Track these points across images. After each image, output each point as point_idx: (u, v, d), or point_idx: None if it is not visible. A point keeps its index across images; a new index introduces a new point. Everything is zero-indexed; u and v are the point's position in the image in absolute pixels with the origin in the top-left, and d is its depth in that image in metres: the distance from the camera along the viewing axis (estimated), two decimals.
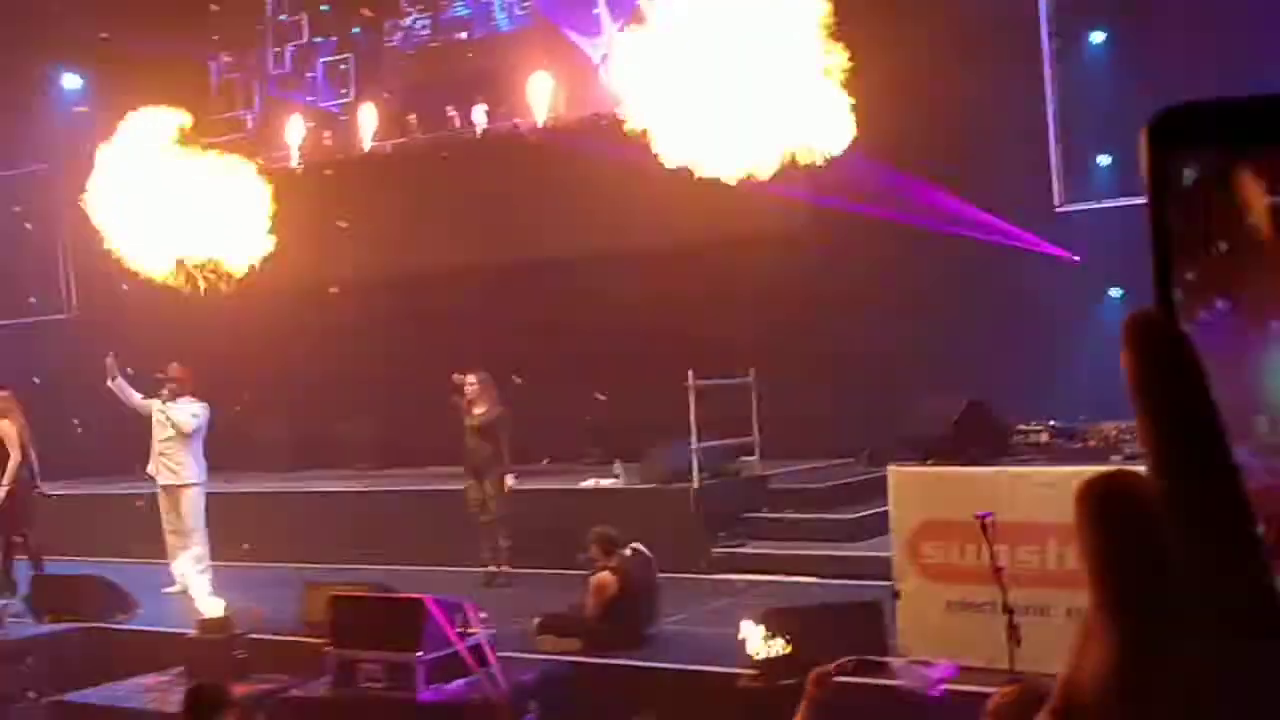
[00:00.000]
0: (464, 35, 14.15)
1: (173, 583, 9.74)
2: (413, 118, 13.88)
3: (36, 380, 11.86)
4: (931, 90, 10.47)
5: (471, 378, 9.98)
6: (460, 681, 6.30)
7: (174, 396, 10.02)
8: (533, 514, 10.42)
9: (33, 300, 15.22)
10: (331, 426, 14.02)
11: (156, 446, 10.09)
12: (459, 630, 6.50)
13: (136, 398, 10.24)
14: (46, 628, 8.78)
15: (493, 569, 9.79)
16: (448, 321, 13.01)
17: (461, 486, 10.08)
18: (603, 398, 12.66)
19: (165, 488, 10.09)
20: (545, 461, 12.62)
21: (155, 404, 10.05)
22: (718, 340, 11.29)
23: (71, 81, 16.81)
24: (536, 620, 7.55)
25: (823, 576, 9.03)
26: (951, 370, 9.79)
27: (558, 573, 9.21)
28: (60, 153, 15.19)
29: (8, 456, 10.15)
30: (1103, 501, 0.41)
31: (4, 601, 9.22)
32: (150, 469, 10.20)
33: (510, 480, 9.87)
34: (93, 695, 7.21)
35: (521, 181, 12.94)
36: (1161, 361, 0.41)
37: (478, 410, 9.90)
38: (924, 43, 10.51)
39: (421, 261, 13.42)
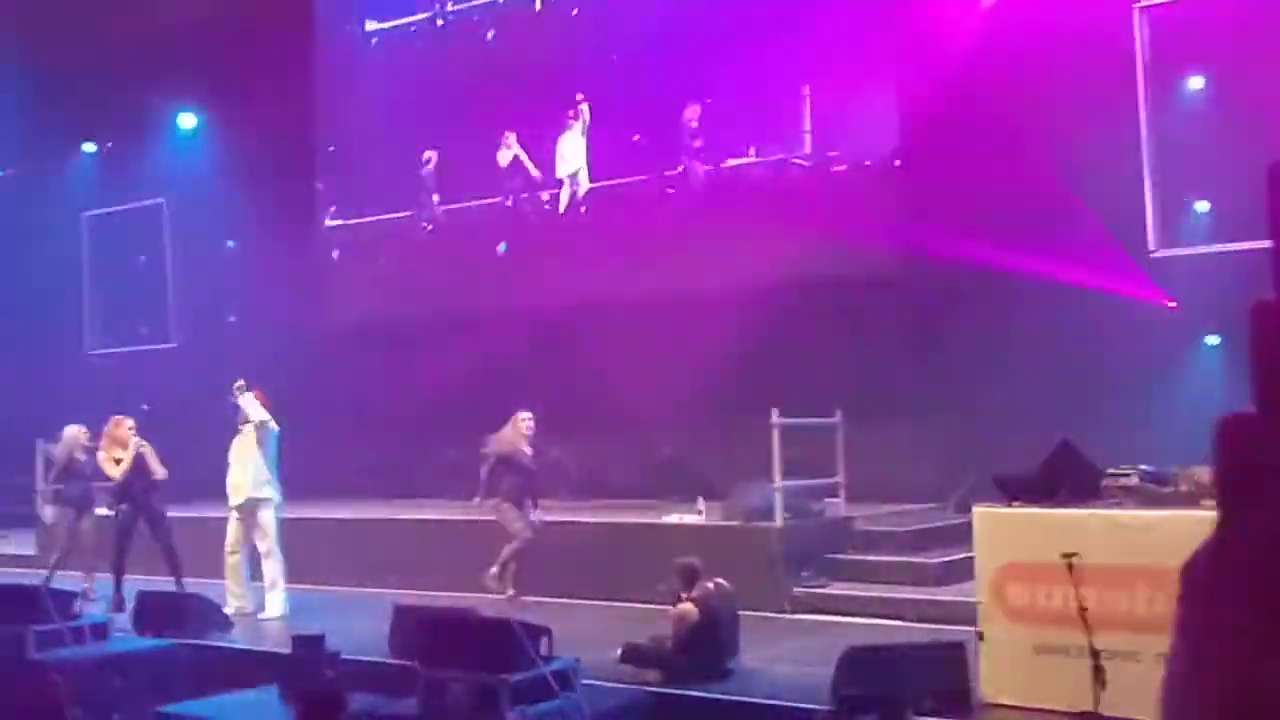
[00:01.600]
0: None
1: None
2: None
3: (145, 407, 12.30)
4: (1027, 134, 10.49)
5: (528, 413, 10.51)
6: (545, 705, 6.40)
7: (247, 419, 10.45)
8: (615, 547, 10.57)
9: (142, 330, 15.80)
10: (425, 455, 14.33)
11: (235, 466, 10.47)
12: (544, 655, 6.61)
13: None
14: (149, 643, 9.07)
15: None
16: (527, 360, 13.29)
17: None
18: (669, 450, 12.81)
19: (243, 504, 10.45)
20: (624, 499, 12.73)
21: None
22: (804, 380, 11.35)
23: (187, 121, 17.53)
24: (618, 649, 7.64)
25: (907, 620, 9.00)
26: (1043, 414, 9.72)
27: (639, 606, 9.33)
28: (172, 188, 15.86)
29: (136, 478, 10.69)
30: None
31: (110, 615, 9.57)
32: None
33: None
34: (190, 709, 7.41)
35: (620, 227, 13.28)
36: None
37: (529, 449, 10.41)
38: (1023, 85, 10.55)
39: (518, 300, 13.79)
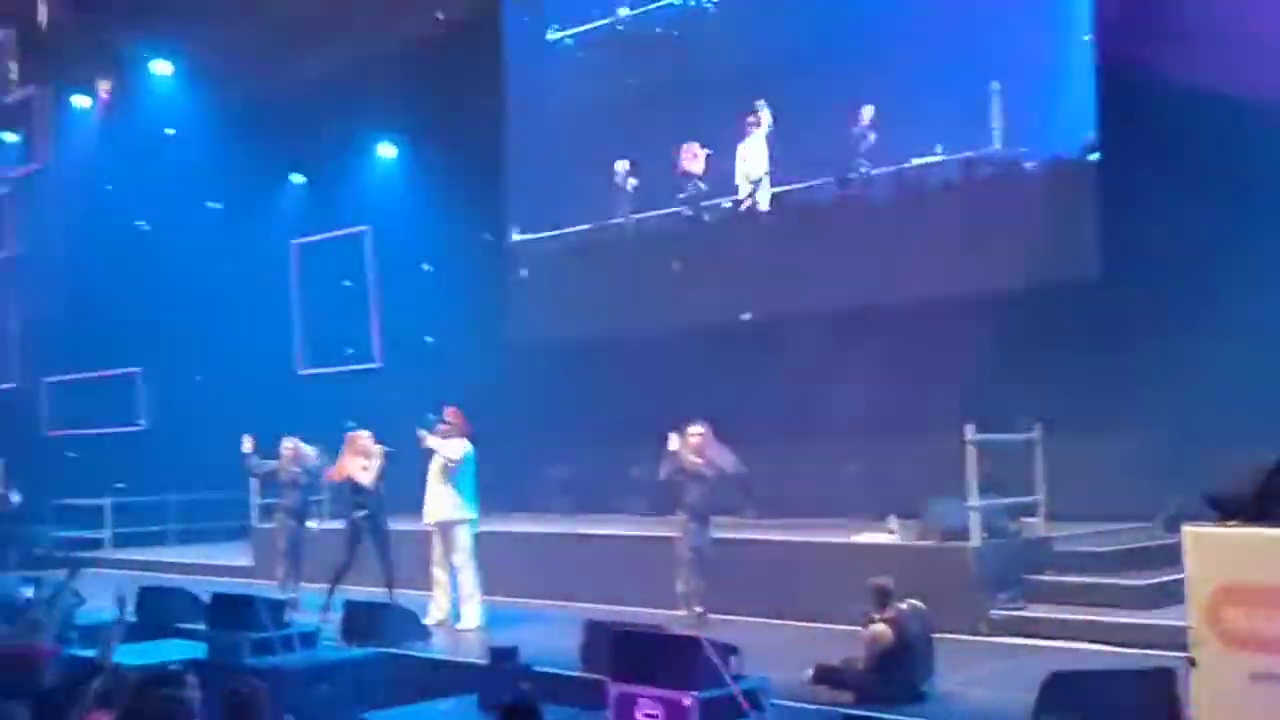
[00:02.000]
0: None
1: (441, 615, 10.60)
2: None
3: (352, 424, 12.82)
4: (1242, 120, 9.96)
5: (698, 426, 10.42)
6: None
7: (445, 437, 10.71)
8: (805, 566, 10.47)
9: (349, 350, 16.50)
10: (612, 470, 14.51)
11: (431, 487, 10.77)
12: (733, 673, 6.59)
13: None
14: (353, 651, 9.44)
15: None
16: (713, 372, 13.31)
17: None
18: (855, 466, 12.62)
19: (438, 524, 10.73)
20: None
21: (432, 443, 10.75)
22: (1000, 393, 11.03)
23: (386, 150, 18.30)
24: (809, 670, 7.56)
25: (1111, 644, 8.63)
26: (1258, 427, 9.18)
27: (830, 626, 9.22)
28: (374, 215, 16.56)
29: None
30: None
31: (321, 620, 9.98)
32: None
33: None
34: (392, 715, 7.66)
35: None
36: None
37: (699, 459, 10.32)
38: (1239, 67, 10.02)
39: (702, 311, 13.86)
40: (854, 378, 12.21)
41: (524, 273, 16.27)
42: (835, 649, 7.95)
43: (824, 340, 12.77)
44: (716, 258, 14.40)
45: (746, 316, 13.62)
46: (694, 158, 14.64)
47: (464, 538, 10.70)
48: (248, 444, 12.41)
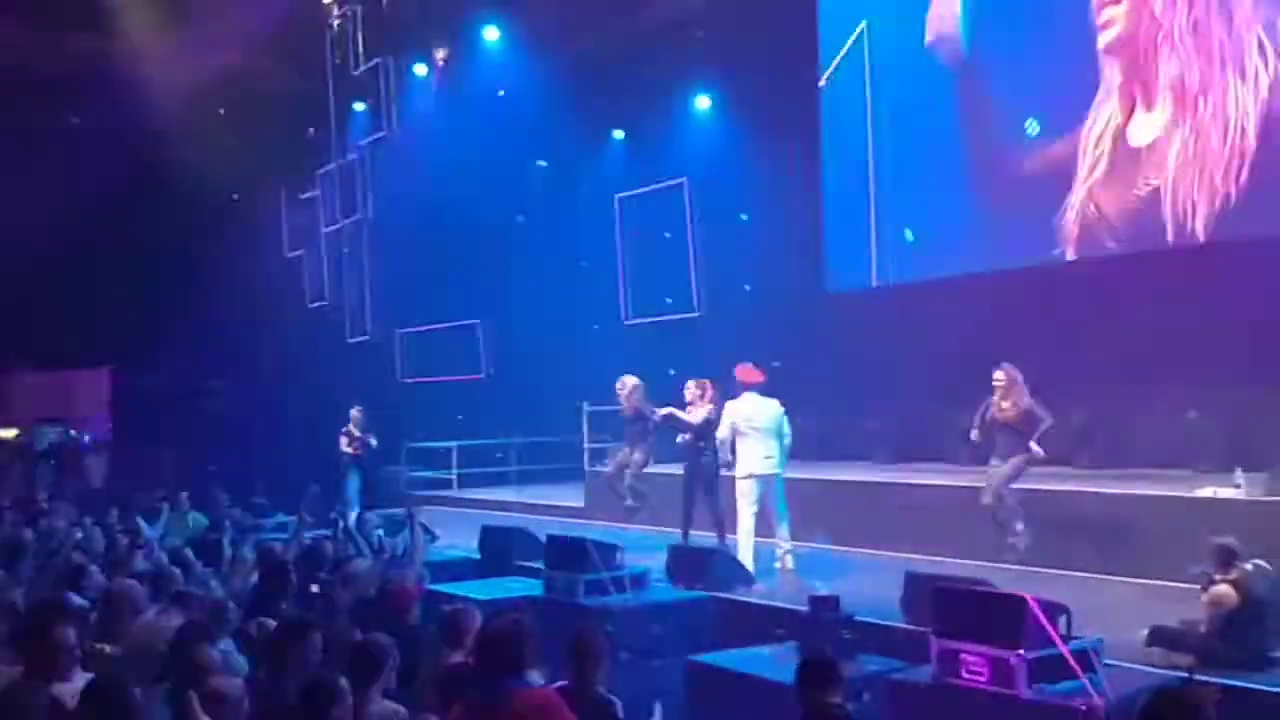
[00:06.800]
0: None
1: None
2: None
3: (672, 372, 13.25)
4: None
5: (1000, 373, 10.36)
6: (1065, 685, 6.25)
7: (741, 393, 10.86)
8: (1143, 520, 10.00)
9: (669, 300, 16.98)
10: (934, 418, 14.29)
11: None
12: (1062, 633, 6.44)
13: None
14: (682, 594, 9.83)
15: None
16: (1037, 316, 12.80)
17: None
18: (1194, 414, 11.83)
19: (757, 476, 10.85)
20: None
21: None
22: None
23: (702, 103, 18.56)
24: (1146, 631, 7.27)
25: None
26: None
27: (1168, 584, 8.80)
28: (691, 168, 16.87)
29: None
30: None
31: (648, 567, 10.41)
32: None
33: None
34: (717, 659, 7.95)
35: None
36: None
37: (1005, 404, 10.27)
38: None
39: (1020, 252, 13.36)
40: (1201, 316, 11.45)
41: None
42: (1175, 610, 7.60)
43: (1164, 278, 12.03)
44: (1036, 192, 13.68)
45: (1071, 257, 12.99)
46: None
47: (771, 489, 10.84)
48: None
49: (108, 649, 5.87)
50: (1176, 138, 12.07)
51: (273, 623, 5.94)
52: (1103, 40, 12.78)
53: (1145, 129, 12.44)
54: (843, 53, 15.66)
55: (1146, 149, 12.36)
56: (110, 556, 9.42)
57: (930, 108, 14.72)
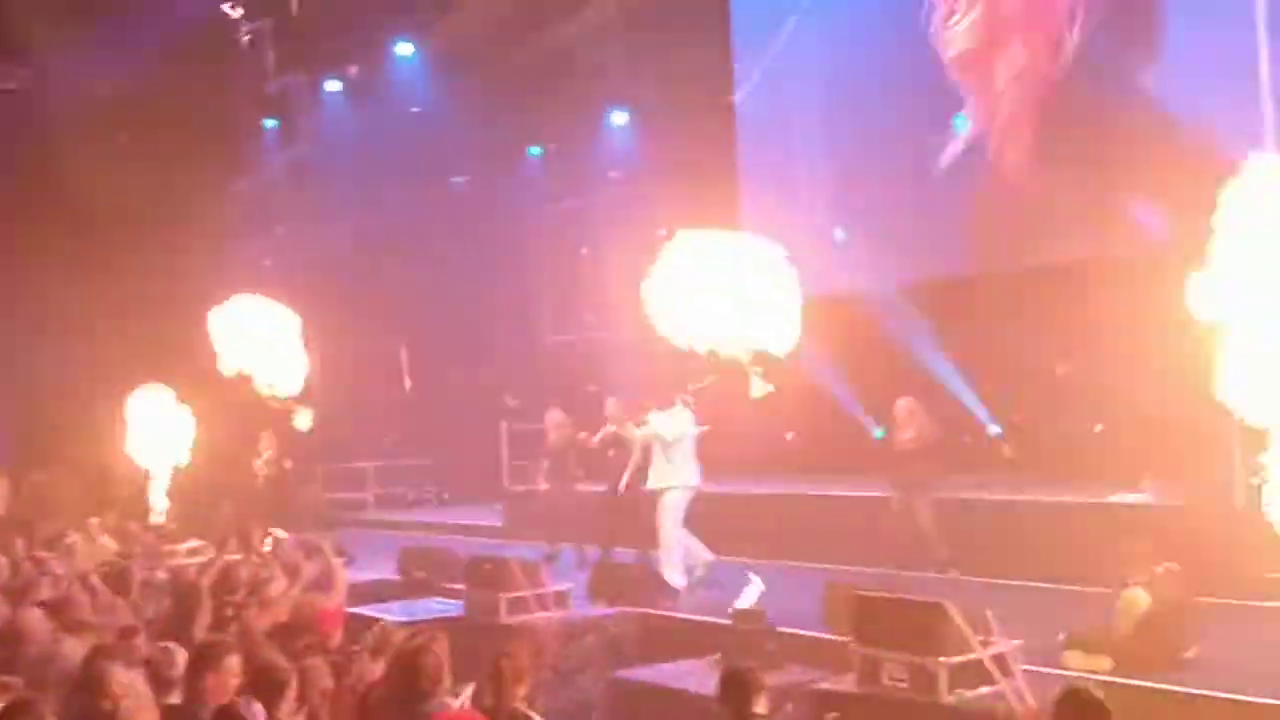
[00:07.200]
0: None
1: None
2: None
3: (592, 388, 13.22)
4: None
5: (901, 402, 10.51)
6: (984, 690, 6.32)
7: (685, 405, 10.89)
8: (1056, 527, 10.17)
9: (588, 318, 16.97)
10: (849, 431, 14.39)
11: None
12: (981, 639, 6.51)
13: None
14: (604, 610, 9.77)
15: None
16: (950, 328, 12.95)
17: None
18: (1099, 428, 12.09)
19: (679, 489, 10.83)
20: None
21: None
22: None
23: (619, 119, 18.59)
24: (1062, 635, 7.37)
25: None
26: None
27: (1083, 589, 8.94)
28: (609, 186, 16.90)
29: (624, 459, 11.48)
30: None
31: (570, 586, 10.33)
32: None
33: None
34: (642, 674, 7.93)
35: None
36: None
37: (908, 434, 10.41)
38: None
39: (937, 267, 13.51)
40: (1104, 328, 11.68)
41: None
42: (1089, 614, 7.72)
43: (1039, 292, 12.26)
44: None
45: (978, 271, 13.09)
46: None
47: (669, 503, 10.82)
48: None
49: (8, 680, 5.66)
50: None
51: (182, 650, 5.78)
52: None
53: None
54: (760, 69, 15.68)
55: None
56: (15, 584, 9.11)
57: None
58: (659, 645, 8.85)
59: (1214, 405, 9.14)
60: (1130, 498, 10.07)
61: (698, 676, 7.46)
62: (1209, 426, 9.28)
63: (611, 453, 11.58)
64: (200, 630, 6.65)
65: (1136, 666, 6.90)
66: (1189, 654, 7.16)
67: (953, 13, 13.12)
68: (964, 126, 13.43)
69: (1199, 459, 9.65)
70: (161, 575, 9.27)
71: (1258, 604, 8.70)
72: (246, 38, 17.83)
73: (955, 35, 13.13)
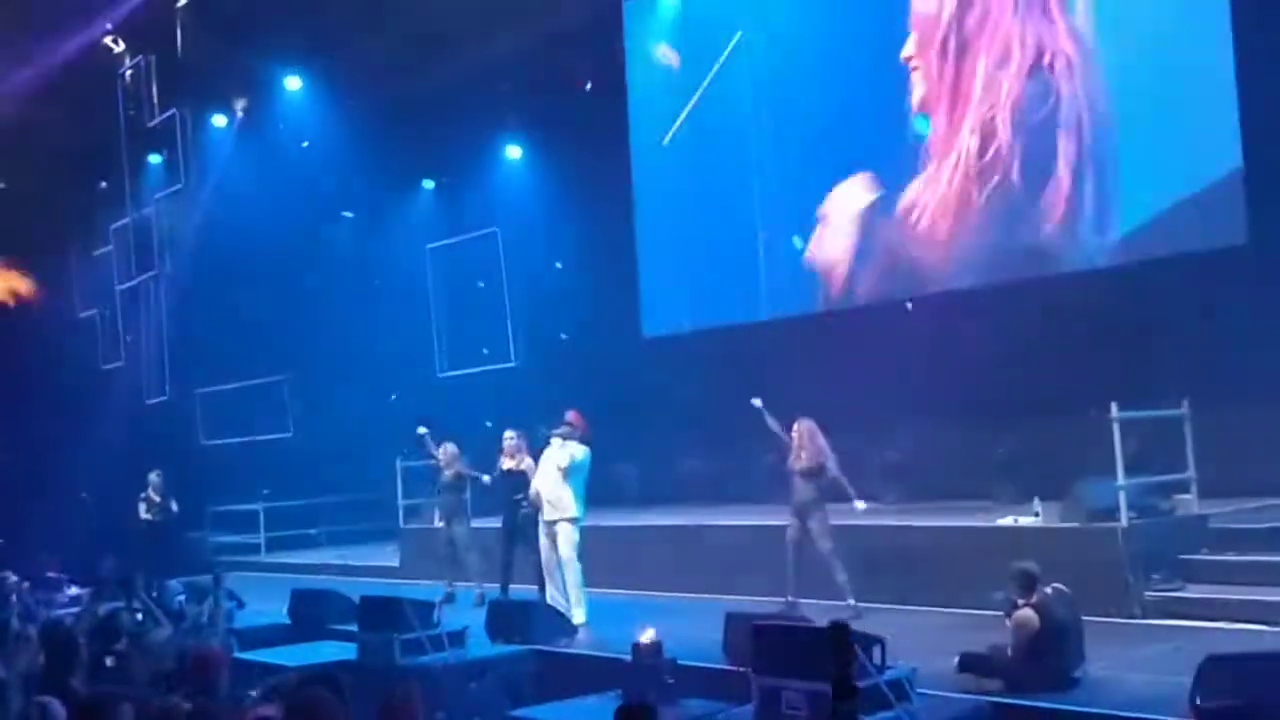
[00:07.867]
0: None
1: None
2: None
3: (489, 424, 13.11)
4: None
5: (799, 423, 10.46)
6: (882, 715, 6.33)
7: (566, 439, 10.86)
8: (947, 551, 10.32)
9: (485, 351, 16.82)
10: (746, 461, 14.47)
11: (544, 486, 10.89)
12: (877, 664, 6.54)
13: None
14: (501, 649, 9.62)
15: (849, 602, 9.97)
16: (844, 359, 13.09)
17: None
18: (1001, 450, 12.33)
19: (547, 522, 10.84)
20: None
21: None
22: (1145, 368, 10.71)
23: (513, 152, 18.55)
24: (956, 658, 7.46)
25: (1272, 624, 8.32)
26: None
27: (974, 613, 9.07)
28: (504, 217, 16.82)
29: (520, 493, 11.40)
30: None
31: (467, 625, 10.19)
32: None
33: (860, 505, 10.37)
34: (539, 713, 7.80)
35: None
36: None
37: (801, 455, 10.36)
38: None
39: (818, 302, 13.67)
40: (996, 355, 11.93)
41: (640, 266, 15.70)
42: (981, 636, 7.83)
43: (961, 318, 12.51)
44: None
45: (909, 305, 13.31)
46: None
47: (564, 535, 10.78)
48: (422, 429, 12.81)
49: None
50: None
51: (58, 702, 5.52)
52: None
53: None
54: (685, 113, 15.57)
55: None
56: None
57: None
58: (557, 683, 8.73)
59: (1103, 427, 9.47)
60: (1021, 520, 10.25)
61: (595, 713, 7.36)
62: (1092, 448, 9.58)
63: (510, 487, 11.47)
64: (77, 682, 6.38)
65: (1026, 687, 7.00)
66: (1077, 673, 7.29)
67: None
68: None
69: (1086, 480, 9.89)
70: (34, 628, 8.86)
71: (1143, 622, 8.93)
72: (129, 72, 17.37)
73: None
